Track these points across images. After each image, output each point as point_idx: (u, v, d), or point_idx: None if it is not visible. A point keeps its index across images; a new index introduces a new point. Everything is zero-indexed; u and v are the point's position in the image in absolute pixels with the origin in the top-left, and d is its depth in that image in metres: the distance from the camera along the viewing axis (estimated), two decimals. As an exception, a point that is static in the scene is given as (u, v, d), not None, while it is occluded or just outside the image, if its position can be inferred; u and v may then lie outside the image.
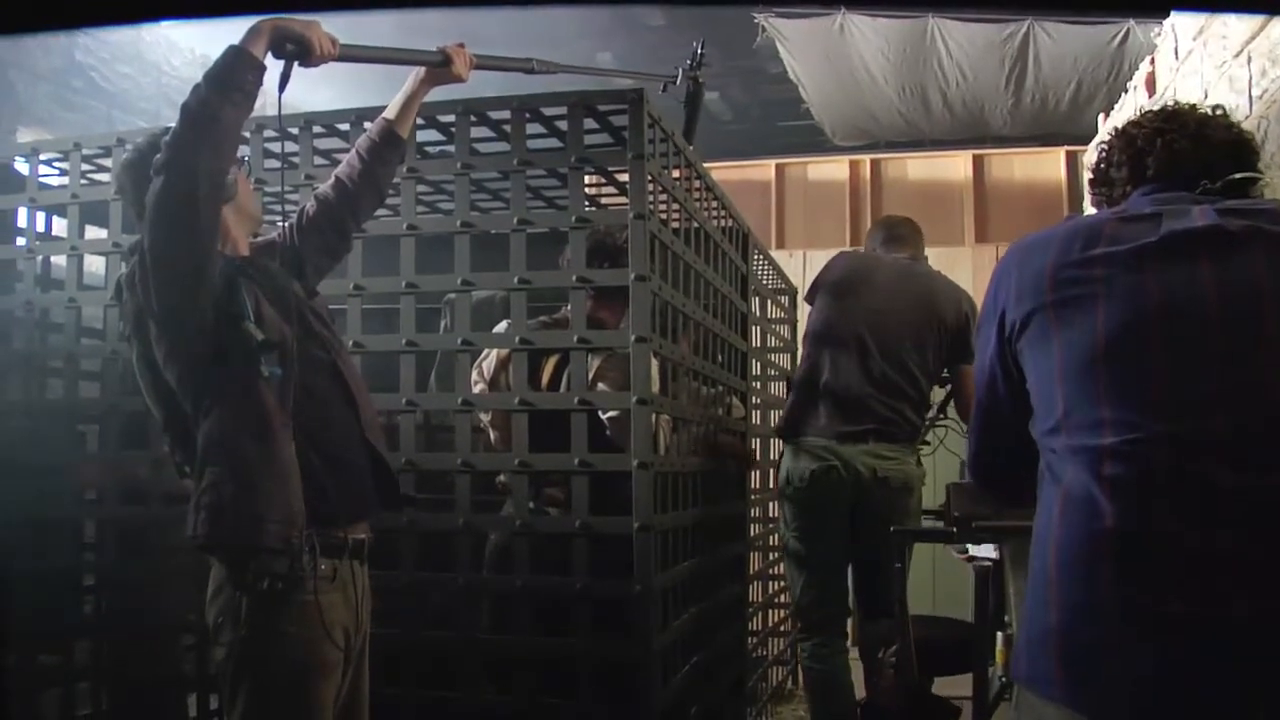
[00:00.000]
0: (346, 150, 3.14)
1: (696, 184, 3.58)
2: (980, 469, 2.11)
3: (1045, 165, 7.25)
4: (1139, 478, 1.62)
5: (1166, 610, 1.56)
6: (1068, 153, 7.14)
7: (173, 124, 2.28)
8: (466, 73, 2.65)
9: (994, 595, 3.08)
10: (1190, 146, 1.89)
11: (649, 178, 3.01)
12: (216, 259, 2.29)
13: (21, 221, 3.69)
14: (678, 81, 3.15)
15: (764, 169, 7.31)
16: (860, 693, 3.98)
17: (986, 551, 3.16)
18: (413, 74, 2.66)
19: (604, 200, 4.12)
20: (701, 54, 3.18)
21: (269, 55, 2.29)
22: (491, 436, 3.36)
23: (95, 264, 3.76)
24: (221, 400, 2.30)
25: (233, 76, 2.22)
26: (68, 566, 3.60)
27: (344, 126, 3.22)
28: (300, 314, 2.42)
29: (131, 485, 3.38)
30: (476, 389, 3.26)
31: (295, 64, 2.32)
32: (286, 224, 2.61)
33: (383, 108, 2.73)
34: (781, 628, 5.37)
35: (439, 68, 2.63)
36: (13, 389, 3.59)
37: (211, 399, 2.31)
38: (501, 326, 3.19)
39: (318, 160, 3.29)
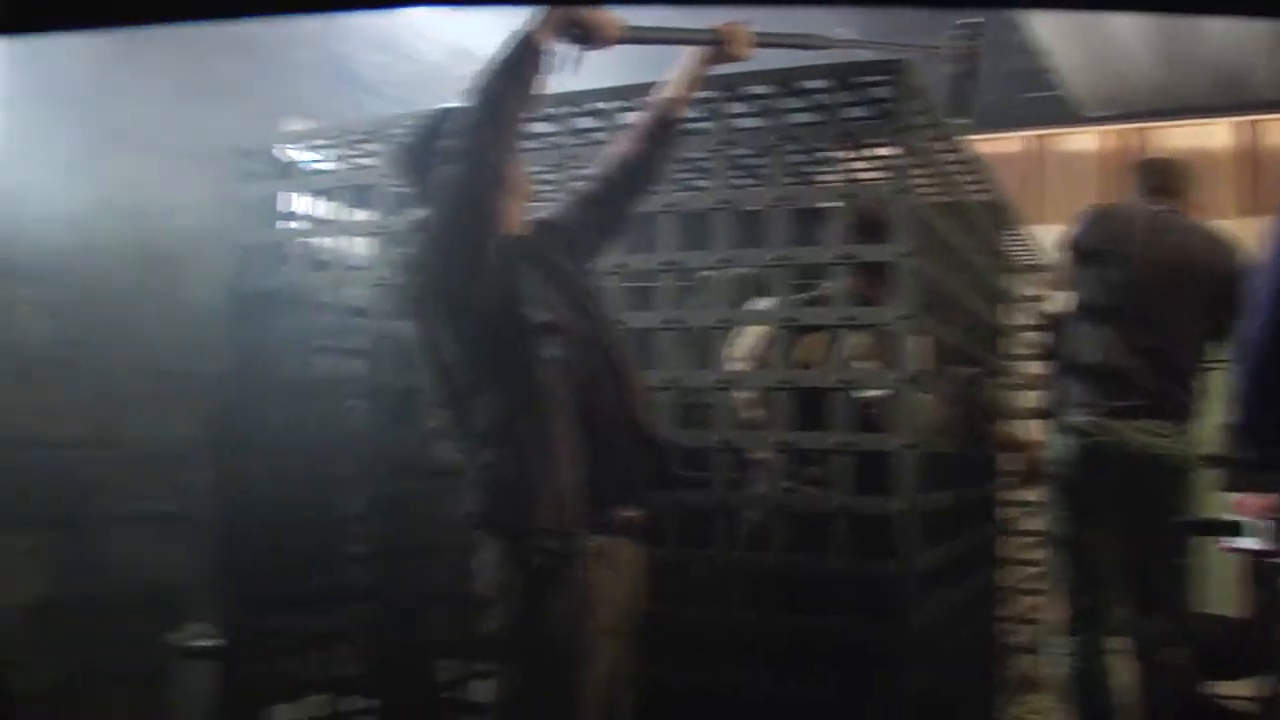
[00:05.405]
0: (608, 129, 3.17)
1: (957, 157, 3.47)
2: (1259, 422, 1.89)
3: (1318, 130, 6.75)
4: None
5: None
6: (1342, 116, 6.65)
7: (431, 107, 2.32)
8: (748, 50, 2.61)
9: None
10: None
11: (912, 151, 2.92)
12: (498, 241, 2.32)
13: (286, 206, 3.85)
14: (953, 52, 3.03)
15: (1009, 142, 7.06)
16: (1129, 695, 3.76)
17: (1252, 543, 2.95)
18: (691, 53, 2.63)
19: (862, 175, 4.03)
20: (978, 23, 3.05)
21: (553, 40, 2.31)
22: (753, 415, 3.32)
23: (356, 245, 3.91)
24: (501, 380, 2.33)
25: (521, 63, 2.25)
26: (333, 537, 3.75)
27: (612, 105, 3.23)
28: (575, 294, 2.43)
29: (398, 459, 3.49)
30: (731, 367, 3.24)
31: (581, 48, 2.34)
32: (561, 204, 2.63)
33: (644, 86, 2.72)
34: (1031, 615, 5.19)
35: (719, 46, 2.60)
36: (281, 367, 3.76)
37: (491, 379, 2.34)
38: (764, 304, 3.16)
39: (581, 140, 3.32)
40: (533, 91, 2.30)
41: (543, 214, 2.65)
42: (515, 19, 2.35)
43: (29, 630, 3.75)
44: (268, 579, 3.60)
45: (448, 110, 2.40)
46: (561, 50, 2.36)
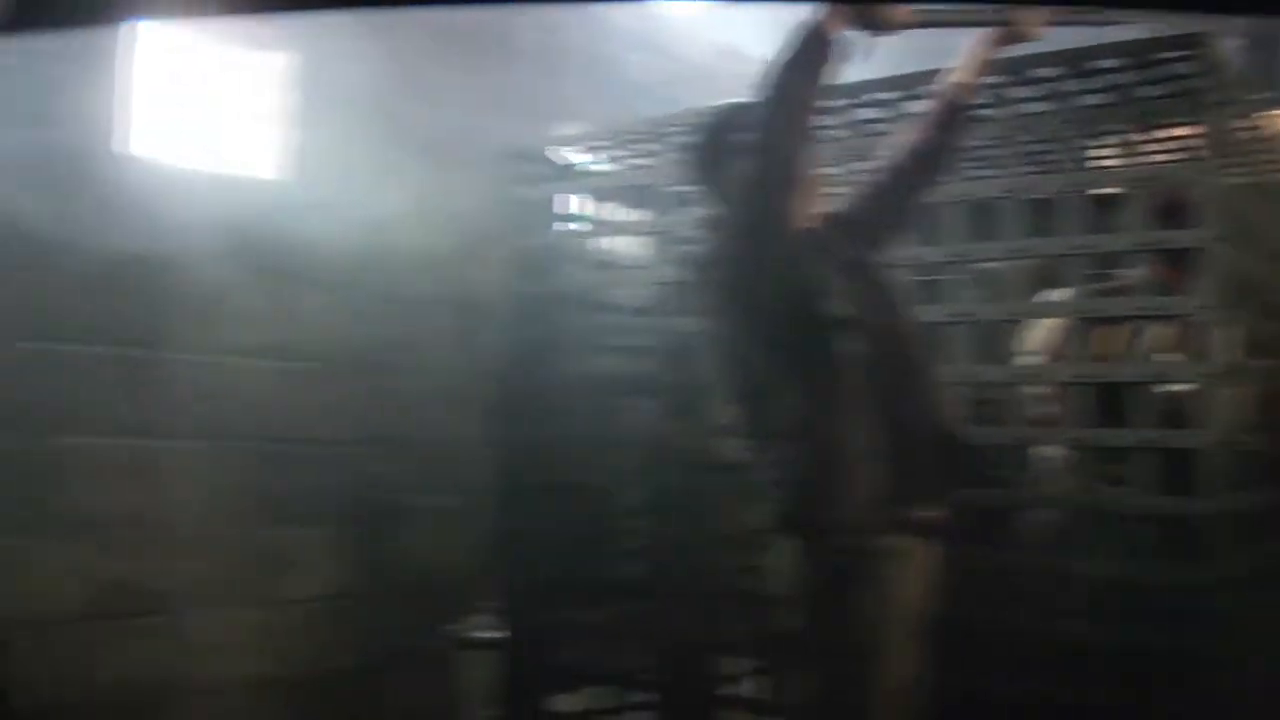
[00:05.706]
0: (891, 120, 3.09)
1: (1259, 134, 3.24)
2: None
3: None
4: None
5: None
6: None
7: (704, 105, 2.31)
8: (1040, 30, 2.52)
9: None
10: None
11: (1216, 129, 2.75)
12: (793, 235, 2.29)
13: (563, 207, 3.92)
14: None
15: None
16: None
17: None
18: (980, 36, 2.55)
19: (1156, 157, 3.82)
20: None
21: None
22: (1046, 412, 3.19)
23: (632, 245, 3.94)
24: (799, 376, 2.31)
25: (812, 54, 2.22)
26: (613, 532, 3.79)
27: (893, 95, 3.15)
28: (870, 288, 2.39)
29: (680, 455, 3.50)
30: (1023, 361, 3.13)
31: (872, 34, 2.30)
32: (850, 195, 2.59)
33: (925, 74, 2.65)
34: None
35: (1010, 27, 2.51)
36: (561, 366, 3.82)
37: (790, 375, 2.32)
38: (1056, 295, 3.03)
39: (863, 131, 3.25)
40: (824, 83, 2.27)
41: (832, 206, 2.61)
42: (778, 15, 2.33)
43: (323, 619, 3.95)
44: (549, 572, 3.67)
45: (736, 106, 2.39)
46: (852, 39, 2.32)
